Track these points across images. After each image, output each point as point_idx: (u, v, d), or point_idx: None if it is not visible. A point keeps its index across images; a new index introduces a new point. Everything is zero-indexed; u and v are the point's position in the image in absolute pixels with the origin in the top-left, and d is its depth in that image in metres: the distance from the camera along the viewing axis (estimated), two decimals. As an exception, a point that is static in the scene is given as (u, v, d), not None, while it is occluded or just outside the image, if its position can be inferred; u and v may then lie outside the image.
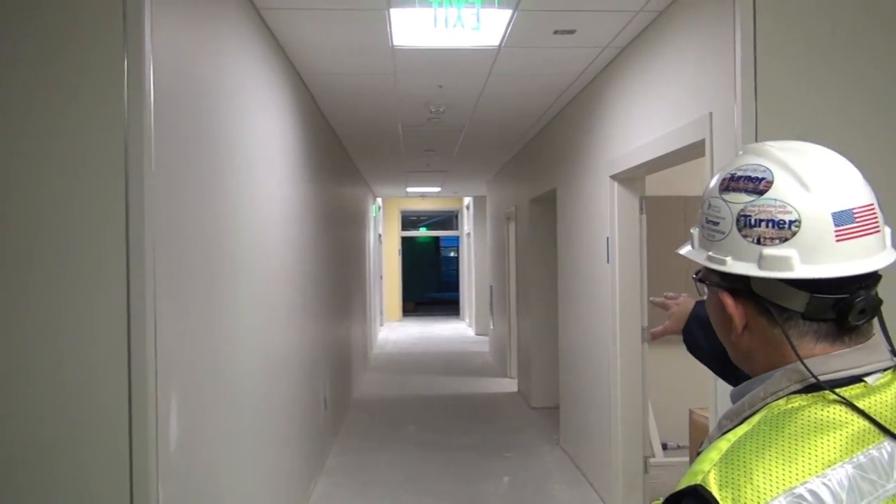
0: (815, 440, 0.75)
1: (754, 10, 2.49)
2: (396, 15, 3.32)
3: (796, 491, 0.72)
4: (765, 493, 0.72)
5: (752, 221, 0.83)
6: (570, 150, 5.20)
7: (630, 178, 4.05)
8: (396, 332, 13.78)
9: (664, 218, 5.00)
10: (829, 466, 0.74)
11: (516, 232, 7.92)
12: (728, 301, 0.87)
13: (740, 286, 0.85)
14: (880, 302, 0.84)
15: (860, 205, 0.82)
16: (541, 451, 5.54)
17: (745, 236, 0.83)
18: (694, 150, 3.02)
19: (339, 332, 6.36)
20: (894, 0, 2.52)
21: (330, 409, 5.53)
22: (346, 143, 6.88)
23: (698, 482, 0.75)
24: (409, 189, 11.75)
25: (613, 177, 4.08)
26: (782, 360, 0.84)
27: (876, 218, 0.83)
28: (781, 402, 0.82)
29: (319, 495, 4.57)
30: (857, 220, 0.81)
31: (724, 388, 2.75)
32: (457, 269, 16.88)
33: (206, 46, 2.41)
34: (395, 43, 3.74)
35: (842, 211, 0.81)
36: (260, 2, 3.11)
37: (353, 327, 7.71)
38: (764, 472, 0.73)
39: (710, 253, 0.88)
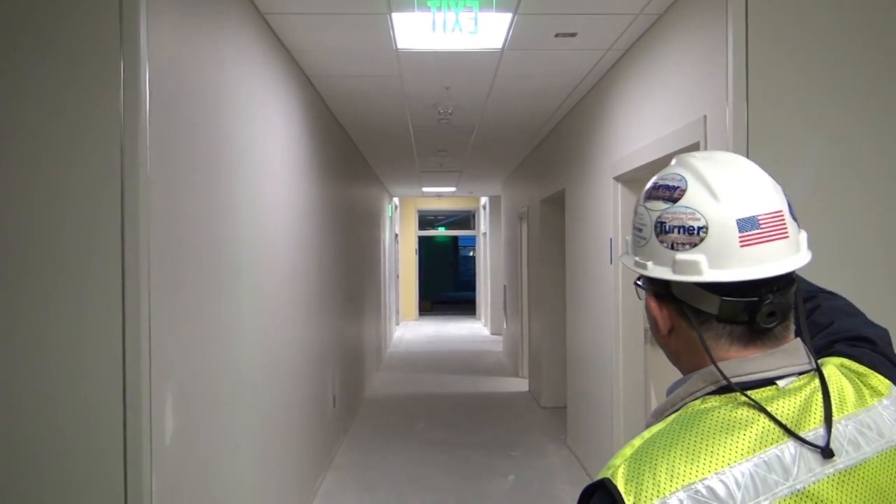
0: (720, 439, 0.79)
1: (746, 14, 2.51)
2: (398, 19, 3.37)
3: (694, 486, 0.76)
4: (665, 488, 0.76)
5: (667, 227, 0.87)
6: (577, 152, 5.23)
7: (633, 180, 4.07)
8: (412, 331, 13.85)
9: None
10: (729, 464, 0.77)
11: (528, 232, 7.94)
12: (652, 304, 0.91)
13: (662, 290, 0.90)
14: (790, 305, 0.87)
15: (766, 212, 0.85)
16: (548, 450, 5.57)
17: (661, 242, 0.87)
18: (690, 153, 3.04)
19: (351, 330, 6.44)
20: (884, 6, 2.52)
21: (339, 407, 5.61)
22: (358, 143, 6.96)
23: (608, 476, 0.79)
24: (425, 189, 11.81)
25: (617, 178, 4.10)
26: (702, 361, 0.87)
27: (783, 224, 0.86)
28: (697, 402, 0.85)
29: (326, 491, 4.64)
30: (763, 226, 0.84)
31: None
32: (474, 269, 16.91)
33: (206, 49, 2.48)
34: (398, 46, 3.80)
35: (746, 217, 0.84)
36: (263, 6, 3.18)
37: (367, 326, 7.78)
38: (667, 468, 0.77)
39: (637, 258, 0.92)
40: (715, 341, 0.86)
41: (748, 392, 0.83)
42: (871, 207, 2.50)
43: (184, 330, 2.22)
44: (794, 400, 0.83)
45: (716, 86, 2.68)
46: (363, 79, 4.51)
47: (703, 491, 0.76)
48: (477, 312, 15.86)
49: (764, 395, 0.83)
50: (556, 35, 3.63)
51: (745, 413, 0.81)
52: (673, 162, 0.94)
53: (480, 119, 5.80)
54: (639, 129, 3.71)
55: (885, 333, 1.01)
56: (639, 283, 0.97)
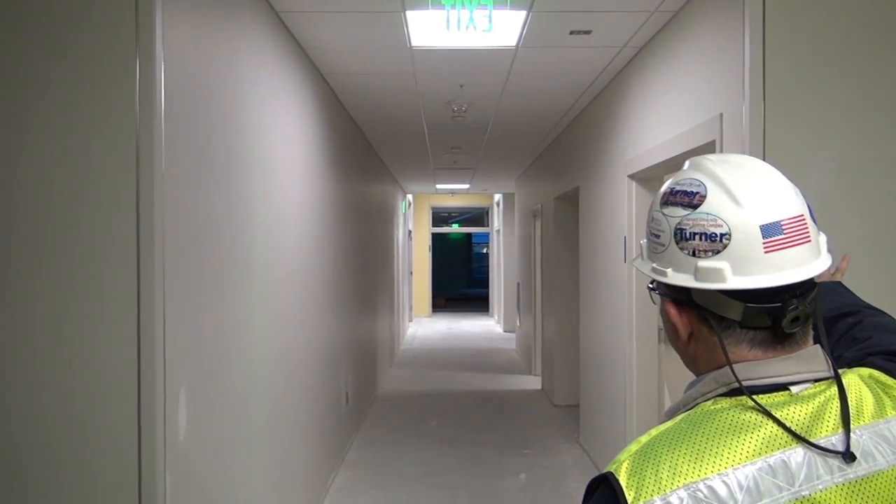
0: (726, 440, 0.79)
1: (763, 11, 2.48)
2: (412, 17, 3.37)
3: (695, 486, 0.76)
4: (666, 486, 0.76)
5: (688, 234, 0.86)
6: (592, 149, 5.21)
7: (648, 178, 4.04)
8: (425, 327, 13.86)
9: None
10: (732, 466, 0.77)
11: (542, 229, 7.92)
12: (672, 310, 0.90)
13: (682, 296, 0.89)
14: (814, 310, 0.86)
15: (789, 216, 0.84)
16: (560, 448, 5.56)
17: (681, 249, 0.86)
18: (706, 151, 3.02)
19: (364, 327, 6.45)
20: (907, 0, 2.48)
21: (352, 403, 5.62)
22: (372, 141, 6.96)
23: (612, 470, 0.79)
24: (438, 186, 11.81)
25: (631, 176, 4.08)
26: (718, 364, 0.87)
27: (806, 229, 0.85)
28: (708, 403, 0.85)
29: (338, 487, 4.66)
30: (786, 231, 0.83)
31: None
32: (487, 266, 16.90)
33: (220, 49, 2.49)
34: (413, 44, 3.79)
35: (770, 223, 0.83)
36: (278, 5, 3.19)
37: (380, 323, 7.80)
38: (670, 466, 0.77)
39: (654, 265, 0.91)
40: (736, 346, 0.86)
41: (757, 396, 0.82)
42: (886, 210, 2.47)
43: (198, 326, 2.24)
44: (806, 407, 0.82)
45: (732, 83, 2.66)
46: (377, 76, 4.51)
47: (704, 490, 0.75)
48: (490, 309, 15.85)
49: (774, 400, 0.83)
50: (571, 32, 3.62)
51: (753, 416, 0.81)
52: (686, 165, 0.93)
53: (494, 116, 5.79)
54: (654, 126, 3.69)
55: None
56: (652, 287, 0.96)
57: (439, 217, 16.81)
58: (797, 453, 0.79)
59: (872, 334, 1.02)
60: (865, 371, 0.90)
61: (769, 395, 0.83)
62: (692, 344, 0.91)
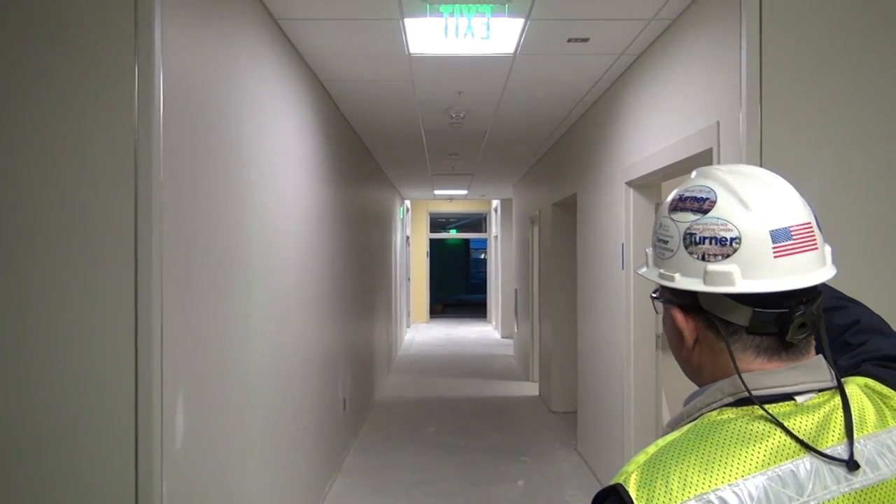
0: (735, 451, 0.79)
1: (760, 19, 2.50)
2: (411, 24, 3.38)
3: (706, 497, 0.75)
4: (677, 497, 0.76)
5: (697, 238, 0.86)
6: (590, 156, 5.22)
7: (645, 185, 4.06)
8: (423, 333, 13.85)
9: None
10: (743, 476, 0.77)
11: (539, 236, 7.93)
12: (678, 316, 0.90)
13: (689, 301, 0.89)
14: (820, 317, 0.86)
15: (798, 223, 0.85)
16: (557, 455, 5.55)
17: (690, 253, 0.87)
18: (703, 159, 3.03)
19: (361, 333, 6.45)
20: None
21: (349, 410, 5.61)
22: (370, 147, 6.97)
23: (620, 481, 0.79)
24: (436, 191, 11.82)
25: (629, 183, 4.08)
26: (723, 373, 0.87)
27: (813, 236, 0.86)
28: (714, 413, 0.85)
29: (335, 494, 4.64)
30: (795, 237, 0.85)
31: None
32: (485, 272, 16.90)
33: (219, 55, 2.50)
34: (411, 51, 3.80)
35: (779, 228, 0.84)
36: (277, 12, 3.20)
37: (377, 329, 7.79)
38: (680, 477, 0.77)
39: (662, 271, 0.91)
40: (742, 353, 0.86)
41: (766, 406, 0.82)
42: (883, 216, 2.48)
43: (195, 332, 2.24)
44: (812, 417, 0.83)
45: (729, 91, 2.67)
46: (376, 83, 4.52)
47: (716, 501, 0.75)
48: (488, 316, 15.84)
49: (781, 409, 0.83)
50: (569, 40, 3.63)
51: (762, 426, 0.81)
52: (694, 175, 0.94)
53: (492, 123, 5.80)
54: (651, 134, 3.70)
55: None
56: (655, 295, 0.96)
57: (437, 223, 16.82)
58: (805, 463, 0.79)
59: (868, 338, 1.02)
60: (861, 380, 0.91)
61: (776, 404, 0.83)
62: (696, 351, 0.91)
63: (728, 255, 0.84)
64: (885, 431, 0.84)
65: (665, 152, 3.40)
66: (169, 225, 2.00)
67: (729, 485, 0.76)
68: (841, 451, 0.81)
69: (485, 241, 16.69)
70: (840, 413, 0.83)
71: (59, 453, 1.88)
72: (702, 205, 0.87)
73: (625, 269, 4.15)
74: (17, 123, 1.89)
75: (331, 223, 4.82)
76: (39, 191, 1.89)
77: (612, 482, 0.81)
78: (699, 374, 0.92)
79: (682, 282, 0.88)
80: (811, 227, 0.86)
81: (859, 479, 0.80)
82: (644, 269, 0.97)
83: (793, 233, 0.84)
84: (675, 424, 0.90)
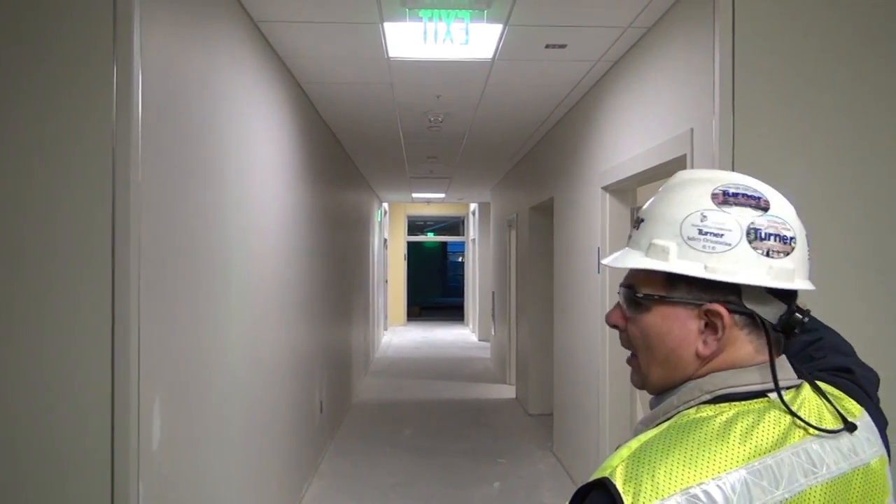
0: (717, 446, 0.81)
1: (733, 28, 2.55)
2: (390, 28, 3.40)
3: (692, 490, 0.78)
4: (663, 490, 0.78)
5: (762, 234, 0.87)
6: (566, 161, 5.27)
7: (621, 190, 4.11)
8: (400, 336, 13.84)
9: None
10: (726, 470, 0.80)
11: (517, 239, 7.98)
12: (725, 312, 0.88)
13: (732, 297, 0.88)
14: (808, 319, 0.91)
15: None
16: (534, 457, 5.59)
17: (755, 248, 0.87)
18: (677, 165, 3.08)
19: (339, 336, 6.44)
20: (870, 18, 2.57)
21: (326, 413, 5.60)
22: (349, 149, 6.97)
23: (606, 475, 0.81)
24: (415, 194, 11.83)
25: (605, 188, 4.13)
26: (710, 369, 0.90)
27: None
28: (692, 410, 0.87)
29: (312, 497, 4.64)
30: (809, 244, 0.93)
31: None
32: (462, 275, 16.94)
33: (198, 57, 2.50)
34: (390, 55, 3.82)
35: (807, 234, 0.91)
36: (257, 14, 3.20)
37: (354, 331, 7.79)
38: (666, 472, 0.79)
39: (708, 264, 0.87)
40: (741, 345, 0.89)
41: (738, 401, 0.87)
42: (853, 224, 2.54)
43: (172, 334, 2.23)
44: (797, 406, 0.88)
45: (702, 99, 2.72)
46: (354, 86, 4.53)
47: (701, 495, 0.77)
48: (465, 318, 15.88)
49: (755, 406, 0.87)
50: (547, 46, 3.67)
51: (742, 422, 0.84)
52: (720, 174, 0.93)
53: (471, 127, 5.84)
54: (627, 140, 3.76)
55: (871, 373, 1.05)
56: (659, 294, 0.91)
57: (415, 226, 16.83)
58: (782, 457, 0.83)
59: (827, 354, 1.07)
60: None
61: (750, 402, 0.87)
62: (707, 345, 0.89)
63: (787, 253, 0.87)
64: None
65: (640, 158, 3.46)
66: (146, 226, 2.00)
67: (713, 479, 0.78)
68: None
69: (462, 244, 16.74)
70: (808, 405, 0.88)
71: (35, 455, 1.87)
72: (758, 202, 0.88)
73: (600, 273, 4.20)
74: (-7, 124, 1.88)
75: (309, 225, 4.81)
76: (15, 192, 1.88)
77: (595, 476, 0.82)
78: (677, 369, 0.91)
79: (748, 276, 0.86)
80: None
81: (824, 473, 0.83)
82: (665, 264, 0.89)
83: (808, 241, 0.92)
84: (649, 422, 0.92)
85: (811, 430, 0.85)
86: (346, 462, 5.44)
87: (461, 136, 6.26)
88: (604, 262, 0.98)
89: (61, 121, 1.89)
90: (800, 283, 0.89)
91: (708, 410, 0.86)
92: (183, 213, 2.33)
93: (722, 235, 0.87)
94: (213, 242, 2.66)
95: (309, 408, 4.85)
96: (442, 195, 11.95)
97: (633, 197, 4.17)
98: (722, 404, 0.86)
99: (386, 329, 14.20)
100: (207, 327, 2.59)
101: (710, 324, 0.88)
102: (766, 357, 0.88)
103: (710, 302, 0.88)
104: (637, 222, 0.97)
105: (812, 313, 1.02)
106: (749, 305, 0.87)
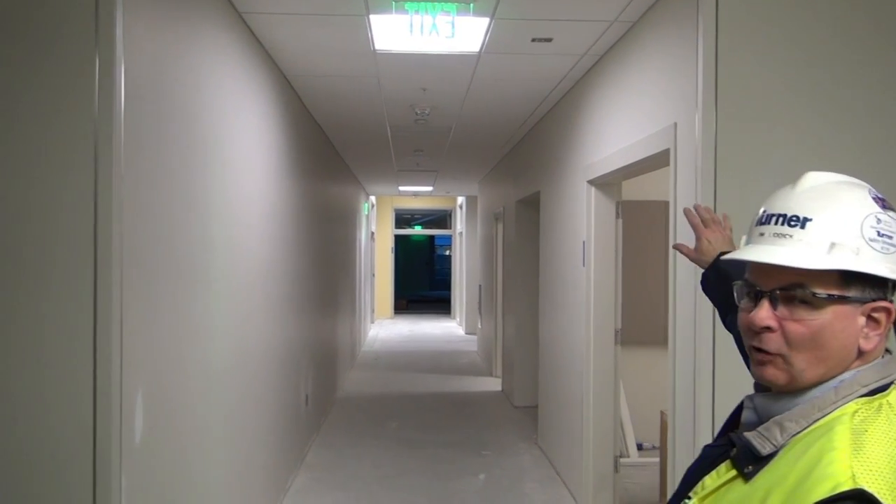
0: None
1: (716, 23, 2.57)
2: (376, 20, 3.39)
3: None
4: None
5: None
6: (553, 155, 5.29)
7: (606, 184, 4.13)
8: (387, 329, 13.85)
9: (643, 222, 5.09)
10: None
11: (504, 232, 8.00)
12: (892, 307, 0.94)
13: (891, 296, 0.94)
14: None
15: None
16: (518, 449, 5.62)
17: None
18: (661, 159, 3.10)
19: (325, 329, 6.43)
20: (850, 14, 2.59)
21: (312, 406, 5.61)
22: (335, 142, 6.95)
23: (861, 486, 0.80)
24: (401, 188, 11.82)
25: (591, 182, 4.15)
26: (846, 364, 0.94)
27: None
28: (852, 405, 0.90)
29: (297, 489, 4.64)
30: None
31: (684, 390, 2.81)
32: (450, 268, 16.95)
33: (181, 48, 2.48)
34: (376, 47, 3.81)
35: None
36: (241, 6, 3.18)
37: (341, 325, 7.78)
38: None
39: (888, 265, 0.93)
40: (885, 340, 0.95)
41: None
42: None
43: (155, 328, 2.22)
44: None
45: (686, 94, 2.74)
46: (340, 79, 4.52)
47: None
48: (452, 312, 15.91)
49: None
50: (533, 40, 3.68)
51: None
52: (852, 179, 0.99)
53: (457, 120, 5.84)
54: (612, 134, 3.77)
55: None
56: (844, 294, 0.93)
57: (402, 219, 16.82)
58: None
59: None
60: None
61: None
62: (875, 343, 0.94)
63: None
64: None
65: (625, 152, 3.47)
66: (129, 219, 1.99)
67: None
68: None
69: (450, 237, 16.75)
70: None
71: (17, 449, 1.86)
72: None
73: (586, 266, 4.22)
74: (-27, 114, 1.86)
75: (295, 219, 4.80)
76: (-4, 183, 1.87)
77: (841, 490, 0.80)
78: (847, 363, 0.94)
79: None
80: None
81: None
82: (856, 263, 0.92)
83: None
84: (799, 419, 0.92)
85: None
86: (332, 454, 5.44)
87: (448, 130, 6.26)
88: (773, 261, 0.94)
89: (42, 112, 1.87)
90: None
91: (872, 403, 0.90)
92: (165, 207, 2.32)
93: (892, 237, 0.93)
94: (197, 235, 2.65)
95: (294, 400, 4.85)
96: (429, 188, 11.95)
97: (619, 191, 4.19)
98: (876, 396, 0.91)
99: (373, 322, 14.21)
100: (191, 320, 2.58)
101: (872, 319, 0.93)
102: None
103: (875, 300, 0.93)
104: (787, 220, 0.96)
105: None
106: None
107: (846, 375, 0.92)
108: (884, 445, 0.84)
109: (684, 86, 2.76)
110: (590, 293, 4.15)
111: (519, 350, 7.14)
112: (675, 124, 2.84)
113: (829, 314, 0.92)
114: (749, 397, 1.01)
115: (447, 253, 19.47)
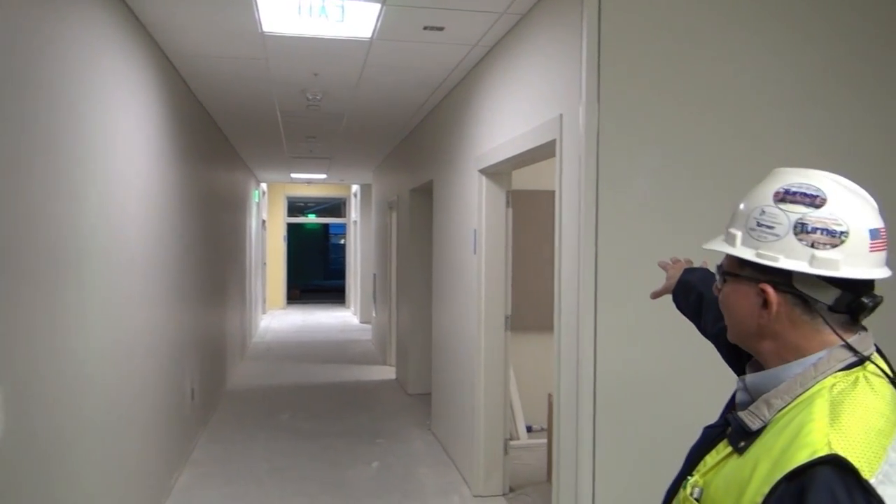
0: (882, 408, 0.96)
1: (599, 18, 2.66)
2: (263, 1, 3.29)
3: (889, 455, 0.92)
4: (879, 453, 0.91)
5: (809, 228, 1.01)
6: (445, 144, 5.32)
7: (497, 173, 4.20)
8: (279, 320, 13.56)
9: (533, 211, 5.22)
10: None
11: (398, 221, 7.99)
12: (770, 291, 1.03)
13: (780, 279, 1.03)
14: (881, 301, 1.04)
15: (882, 226, 1.04)
16: (412, 436, 5.66)
17: (800, 240, 1.01)
18: (548, 149, 3.19)
19: (212, 320, 6.22)
20: (734, 6, 2.75)
21: (198, 399, 5.41)
22: (223, 127, 6.71)
23: (833, 452, 0.89)
24: (294, 175, 11.57)
25: (482, 171, 4.21)
26: (806, 341, 1.03)
27: (886, 238, 1.05)
28: (829, 379, 0.99)
29: (182, 487, 4.48)
30: (882, 237, 1.04)
31: (568, 376, 2.89)
32: (344, 257, 16.78)
33: (48, 21, 2.31)
34: (264, 29, 3.70)
35: (874, 228, 1.03)
36: (116, -22, 3.00)
37: (229, 315, 7.54)
38: (866, 436, 0.92)
39: (760, 251, 1.04)
40: (824, 325, 1.03)
41: (868, 365, 1.01)
42: (708, 212, 2.73)
43: (18, 323, 2.07)
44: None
45: (571, 86, 2.83)
46: (226, 60, 4.36)
47: (892, 454, 0.91)
48: (346, 301, 15.77)
49: (881, 368, 1.01)
50: (425, 28, 3.68)
51: (880, 384, 0.99)
52: (789, 172, 1.07)
53: (350, 107, 5.77)
54: (502, 124, 3.84)
55: None
56: (721, 269, 1.12)
57: (295, 207, 16.48)
58: None
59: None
60: None
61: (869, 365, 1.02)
62: (776, 322, 1.04)
63: (835, 245, 1.00)
64: None
65: (515, 142, 3.55)
66: (-13, 203, 1.84)
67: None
68: None
69: (344, 225, 16.57)
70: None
71: None
72: (813, 200, 1.02)
73: (477, 254, 4.29)
74: None
75: (180, 205, 4.60)
76: None
77: (808, 459, 0.90)
78: (773, 339, 1.05)
79: (787, 262, 1.01)
80: (885, 231, 1.05)
81: None
82: (732, 249, 1.08)
83: (881, 233, 1.03)
84: (784, 395, 1.01)
85: None
86: (220, 449, 5.28)
87: (341, 116, 6.17)
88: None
89: None
90: (848, 271, 0.99)
91: (849, 376, 1.00)
92: (29, 194, 2.16)
93: (772, 228, 1.03)
94: (67, 223, 2.49)
95: (179, 394, 4.66)
96: (323, 176, 11.76)
97: (509, 180, 4.28)
98: (851, 370, 1.00)
99: (265, 313, 13.87)
100: (61, 312, 2.43)
101: (765, 300, 1.04)
102: (851, 335, 1.02)
103: (764, 282, 1.04)
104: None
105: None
106: (800, 287, 1.01)
107: (822, 353, 1.02)
108: (858, 415, 0.94)
109: (570, 78, 2.85)
110: (481, 281, 4.23)
111: (413, 338, 7.17)
112: (561, 116, 2.92)
113: (728, 287, 1.11)
114: (741, 379, 1.12)
115: (342, 242, 19.26)
